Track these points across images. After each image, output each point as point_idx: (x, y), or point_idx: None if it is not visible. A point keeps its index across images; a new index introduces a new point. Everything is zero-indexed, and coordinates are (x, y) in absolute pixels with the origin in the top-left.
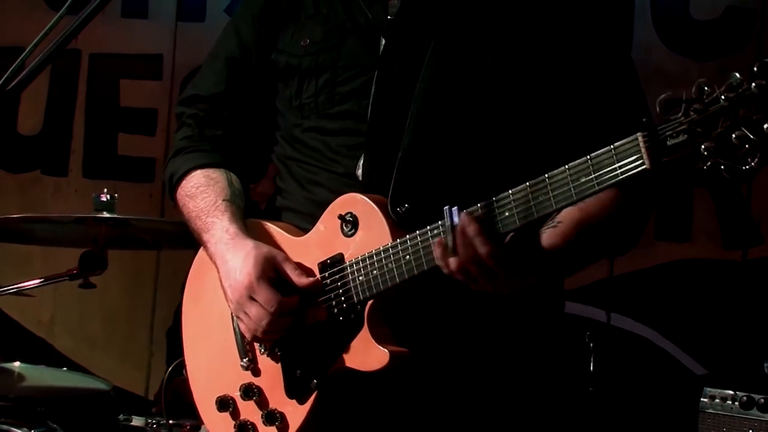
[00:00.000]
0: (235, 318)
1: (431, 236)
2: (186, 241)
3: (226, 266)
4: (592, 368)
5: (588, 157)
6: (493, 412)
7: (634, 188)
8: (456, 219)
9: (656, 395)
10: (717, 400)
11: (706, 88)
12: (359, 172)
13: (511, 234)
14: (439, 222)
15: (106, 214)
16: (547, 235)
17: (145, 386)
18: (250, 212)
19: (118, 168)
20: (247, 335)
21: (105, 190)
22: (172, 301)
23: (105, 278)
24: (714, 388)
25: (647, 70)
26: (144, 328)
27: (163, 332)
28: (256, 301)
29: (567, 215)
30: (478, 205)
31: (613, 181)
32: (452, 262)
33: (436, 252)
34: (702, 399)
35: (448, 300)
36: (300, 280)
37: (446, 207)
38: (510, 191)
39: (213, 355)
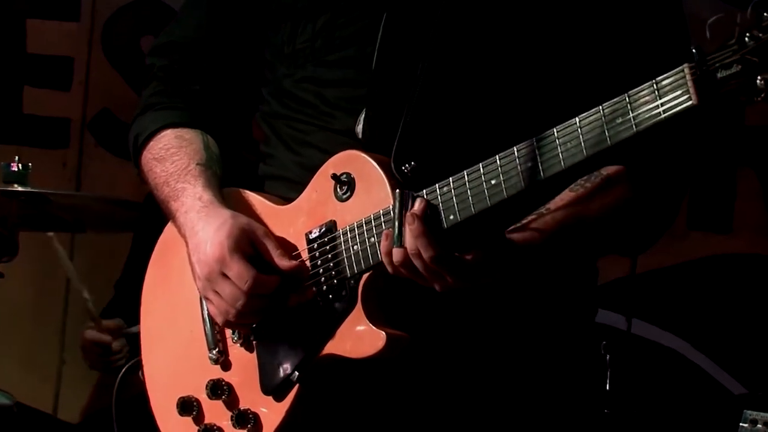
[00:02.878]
0: (204, 302)
1: (440, 194)
2: (113, 221)
3: (195, 238)
4: (608, 386)
5: (626, 94)
6: (491, 421)
7: (658, 167)
8: (408, 206)
9: (686, 419)
10: (759, 426)
11: (764, 12)
12: (359, 128)
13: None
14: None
15: (17, 188)
16: (526, 225)
17: (54, 402)
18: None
19: (23, 130)
20: (218, 319)
21: (17, 158)
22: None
23: (10, 267)
24: (755, 410)
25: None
26: (54, 331)
27: (76, 335)
28: (227, 277)
29: (558, 201)
30: (424, 190)
31: (654, 120)
32: (395, 254)
33: (382, 244)
34: (741, 424)
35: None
36: (281, 261)
37: (397, 190)
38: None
39: (177, 349)
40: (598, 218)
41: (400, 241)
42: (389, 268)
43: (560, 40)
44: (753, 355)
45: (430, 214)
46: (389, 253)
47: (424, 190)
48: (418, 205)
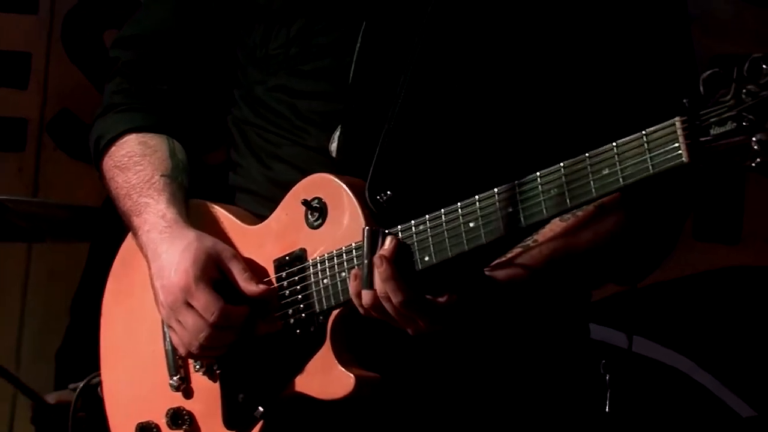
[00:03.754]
0: (166, 327)
1: (415, 233)
2: (73, 230)
3: (158, 261)
4: (607, 408)
5: (614, 144)
6: None
7: (657, 191)
8: (378, 245)
9: None
10: None
11: (763, 66)
12: (333, 146)
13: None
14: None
15: None
16: (511, 260)
17: (9, 429)
18: (206, 188)
19: None
20: (180, 350)
21: None
22: (49, 314)
23: None
24: None
25: (692, 12)
26: (7, 350)
27: (32, 354)
28: (193, 307)
29: (548, 232)
30: (399, 227)
31: (643, 175)
32: (365, 296)
33: (351, 285)
34: None
35: None
36: (249, 287)
37: (366, 228)
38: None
39: (137, 369)
40: (590, 249)
41: (369, 283)
42: (360, 310)
43: (554, 63)
44: (762, 374)
45: (401, 255)
46: (358, 295)
47: (399, 227)
48: (388, 245)
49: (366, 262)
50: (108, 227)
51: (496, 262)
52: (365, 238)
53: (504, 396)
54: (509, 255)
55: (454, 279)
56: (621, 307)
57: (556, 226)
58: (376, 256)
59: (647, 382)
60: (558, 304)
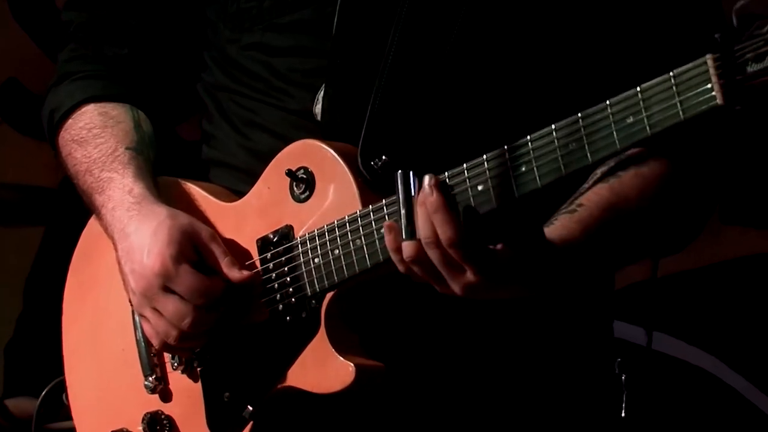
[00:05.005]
0: (138, 318)
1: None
2: (24, 213)
3: (127, 242)
4: (623, 412)
5: (638, 89)
6: None
7: (697, 152)
8: (413, 189)
9: None
10: None
11: None
12: (317, 108)
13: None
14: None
15: None
16: (560, 223)
17: None
18: (178, 166)
19: None
20: (154, 341)
21: None
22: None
23: None
24: None
25: None
26: None
27: None
28: (173, 292)
29: (592, 196)
30: (447, 173)
31: (673, 122)
32: (406, 249)
33: (387, 239)
34: None
35: (441, 296)
36: (232, 272)
37: (399, 172)
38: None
39: (107, 372)
40: (641, 207)
41: (410, 233)
42: (400, 267)
43: (563, 12)
44: None
45: (446, 192)
46: (398, 250)
47: (447, 173)
48: (428, 183)
49: (404, 211)
50: (65, 210)
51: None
52: (399, 184)
53: (513, 394)
54: (553, 219)
55: (509, 232)
56: (639, 299)
57: (600, 189)
58: (419, 193)
59: (669, 384)
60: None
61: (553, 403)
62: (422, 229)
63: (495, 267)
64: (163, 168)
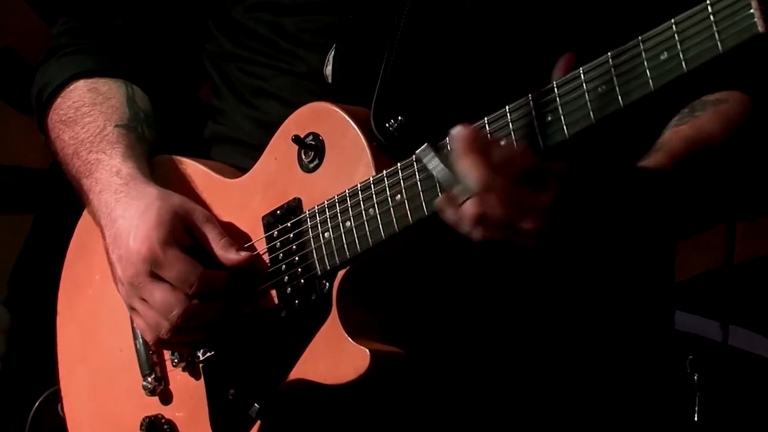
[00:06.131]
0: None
1: (436, 162)
2: (17, 199)
3: (114, 227)
4: (697, 416)
5: (672, 21)
6: None
7: None
8: (441, 151)
9: None
10: None
11: None
12: (328, 70)
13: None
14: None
15: None
16: (646, 161)
17: None
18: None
19: None
20: (147, 336)
21: None
22: None
23: None
24: None
25: None
26: None
27: None
28: (162, 279)
29: (673, 135)
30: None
31: (710, 56)
32: (469, 209)
33: (448, 213)
34: None
35: (467, 271)
36: (228, 255)
37: (419, 150)
38: (554, 82)
39: (104, 375)
40: (724, 144)
41: (464, 192)
42: (464, 230)
43: None
44: None
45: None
46: (445, 198)
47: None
48: (459, 133)
49: (444, 175)
50: (56, 195)
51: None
52: (426, 157)
53: (558, 395)
54: (638, 162)
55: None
56: (713, 289)
57: (680, 129)
58: (454, 150)
59: (746, 383)
60: (634, 276)
61: (610, 411)
62: (476, 181)
63: (572, 188)
64: (165, 146)
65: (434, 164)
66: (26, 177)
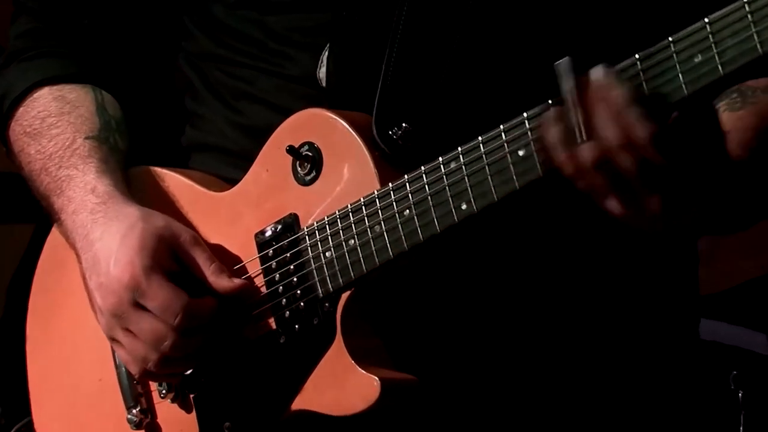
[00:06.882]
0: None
1: (448, 171)
2: (9, 208)
3: (91, 252)
4: None
5: (705, 20)
6: None
7: None
8: (595, 74)
9: None
10: None
11: None
12: (321, 72)
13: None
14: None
15: None
16: (747, 113)
17: None
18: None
19: None
20: (132, 369)
21: None
22: None
23: None
24: None
25: None
26: None
27: None
28: (145, 309)
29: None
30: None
31: (749, 57)
32: (586, 152)
33: (549, 134)
34: None
35: (480, 289)
36: (219, 281)
37: (561, 62)
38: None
39: (82, 406)
40: None
41: (587, 134)
42: (567, 171)
43: None
44: None
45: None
46: (560, 143)
47: (459, 148)
48: (607, 72)
49: (575, 109)
50: None
51: None
52: (564, 76)
53: (584, 416)
54: (725, 107)
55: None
56: (759, 298)
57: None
58: (595, 89)
59: None
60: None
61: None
62: (606, 131)
63: (699, 167)
64: (139, 156)
65: (569, 86)
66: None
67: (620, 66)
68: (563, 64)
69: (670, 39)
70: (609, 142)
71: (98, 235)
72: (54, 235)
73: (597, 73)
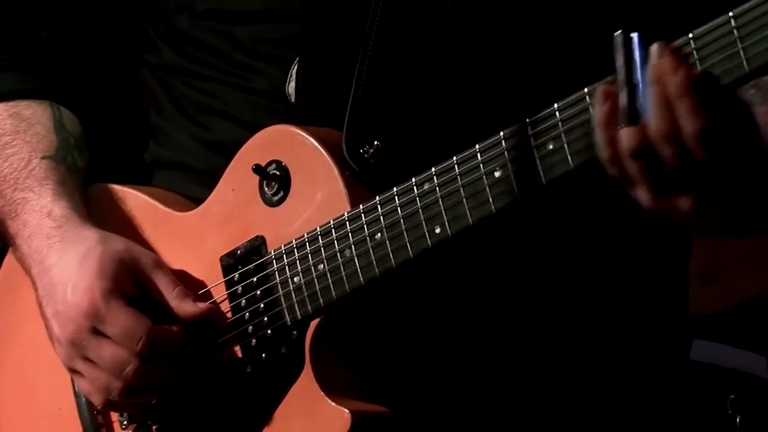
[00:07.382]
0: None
1: (421, 192)
2: None
3: (47, 278)
4: None
5: (729, 14)
6: None
7: None
8: (652, 54)
9: None
10: None
11: None
12: (290, 87)
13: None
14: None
15: None
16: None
17: None
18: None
19: None
20: (94, 399)
21: None
22: None
23: None
24: None
25: None
26: None
27: None
28: (105, 336)
29: None
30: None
31: None
32: (627, 138)
33: (600, 114)
34: None
35: (456, 318)
36: (183, 306)
37: (619, 32)
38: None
39: None
40: None
41: (634, 116)
42: (605, 155)
43: None
44: None
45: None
46: (611, 142)
47: (434, 168)
48: (670, 54)
49: (635, 83)
50: None
51: None
52: (619, 49)
53: None
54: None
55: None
56: (759, 319)
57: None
58: (654, 69)
59: None
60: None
61: None
62: (656, 116)
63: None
64: (100, 173)
65: (625, 62)
66: None
67: (676, 43)
68: (620, 37)
69: (731, 14)
70: (656, 131)
71: (54, 261)
72: (9, 260)
73: (657, 51)
